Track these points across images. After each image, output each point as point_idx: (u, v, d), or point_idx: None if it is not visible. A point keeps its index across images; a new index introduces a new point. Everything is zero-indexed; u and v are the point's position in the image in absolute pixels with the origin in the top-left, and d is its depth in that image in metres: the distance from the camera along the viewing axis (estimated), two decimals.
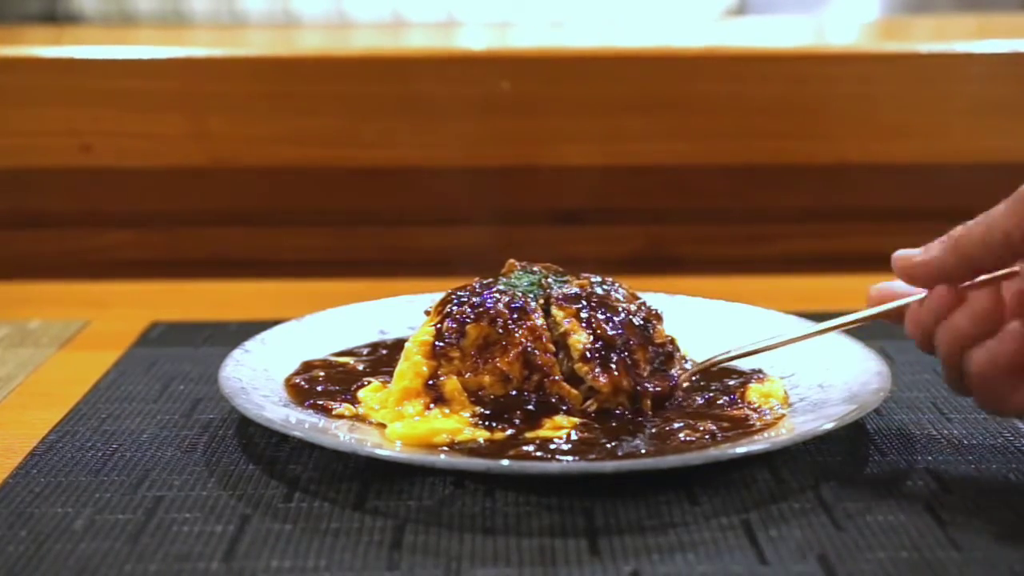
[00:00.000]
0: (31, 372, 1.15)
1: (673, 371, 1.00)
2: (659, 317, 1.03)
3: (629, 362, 0.96)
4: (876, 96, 1.57)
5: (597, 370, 0.95)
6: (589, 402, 0.95)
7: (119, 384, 1.10)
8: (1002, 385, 0.85)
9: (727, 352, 1.01)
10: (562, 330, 0.97)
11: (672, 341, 1.02)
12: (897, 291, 0.93)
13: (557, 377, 0.95)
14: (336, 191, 1.63)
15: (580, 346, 0.96)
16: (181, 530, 0.82)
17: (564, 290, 1.00)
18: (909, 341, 1.18)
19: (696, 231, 1.64)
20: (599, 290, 1.01)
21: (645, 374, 0.97)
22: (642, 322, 1.00)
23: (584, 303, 0.99)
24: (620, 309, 0.99)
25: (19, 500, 0.86)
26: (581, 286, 1.01)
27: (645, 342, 0.99)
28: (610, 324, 0.98)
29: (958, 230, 0.86)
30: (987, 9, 2.67)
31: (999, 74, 1.58)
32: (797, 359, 1.06)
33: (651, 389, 0.97)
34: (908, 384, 1.08)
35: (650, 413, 0.96)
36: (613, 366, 0.95)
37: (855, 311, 0.97)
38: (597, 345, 0.96)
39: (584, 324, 0.97)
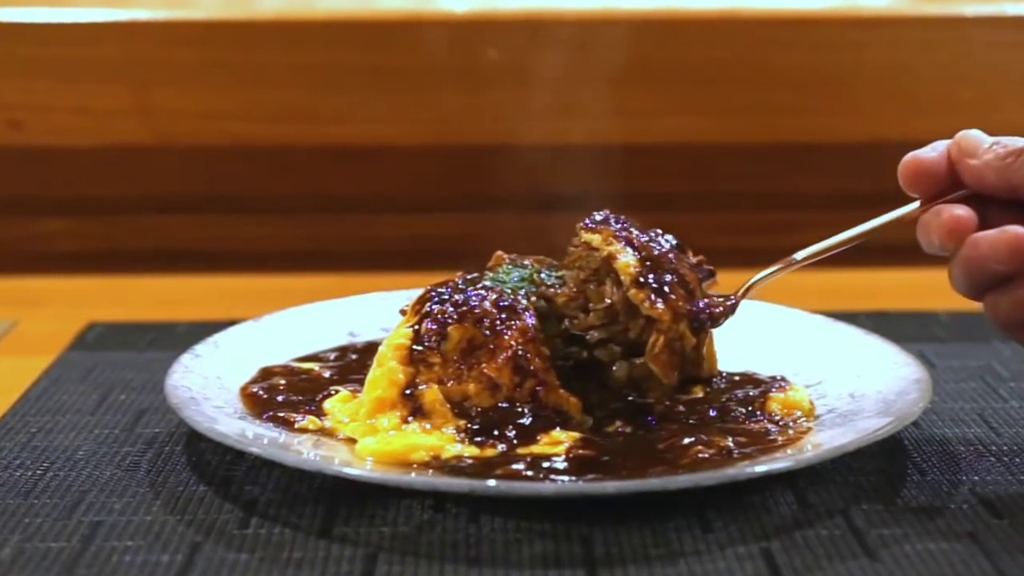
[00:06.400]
0: None
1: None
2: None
3: (680, 283, 0.96)
4: (916, 65, 1.57)
5: (653, 296, 0.94)
6: (618, 367, 0.95)
7: (51, 394, 1.10)
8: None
9: (787, 261, 1.00)
10: (604, 254, 0.96)
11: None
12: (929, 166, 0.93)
13: (556, 383, 0.95)
14: (298, 173, 1.62)
15: (631, 269, 0.94)
16: (122, 560, 0.81)
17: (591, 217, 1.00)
18: (951, 344, 1.19)
19: (709, 219, 1.64)
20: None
21: (697, 295, 0.97)
22: (673, 241, 0.99)
23: (615, 222, 0.98)
24: (648, 230, 0.99)
25: None
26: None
27: (685, 259, 0.99)
28: (652, 241, 0.97)
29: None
30: None
31: None
32: (825, 365, 1.06)
33: (709, 311, 0.96)
34: (951, 393, 1.08)
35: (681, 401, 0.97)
36: (668, 289, 0.94)
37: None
38: (648, 265, 0.95)
39: (625, 243, 0.96)
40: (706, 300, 0.97)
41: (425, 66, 1.57)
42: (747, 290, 1.00)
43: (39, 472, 0.94)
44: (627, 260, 0.95)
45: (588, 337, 0.96)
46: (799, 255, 0.99)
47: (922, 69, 1.57)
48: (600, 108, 1.58)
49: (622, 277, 0.94)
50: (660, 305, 0.93)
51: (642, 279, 0.94)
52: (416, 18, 1.60)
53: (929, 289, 1.30)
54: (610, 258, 0.95)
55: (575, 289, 0.97)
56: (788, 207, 1.63)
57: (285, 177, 1.62)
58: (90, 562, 0.81)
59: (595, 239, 0.97)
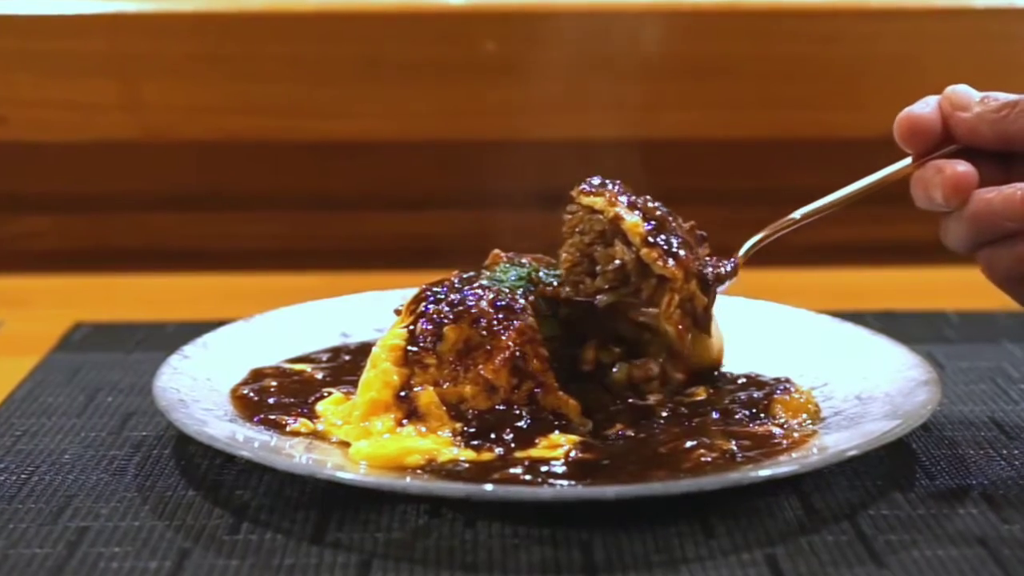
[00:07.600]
0: None
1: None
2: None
3: (684, 243, 0.96)
4: (925, 58, 1.57)
5: (665, 255, 0.95)
6: (617, 368, 0.96)
7: (37, 395, 1.10)
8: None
9: (787, 220, 1.01)
10: (611, 215, 0.96)
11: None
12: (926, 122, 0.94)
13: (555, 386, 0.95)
14: (290, 169, 1.62)
15: (641, 229, 0.95)
16: (109, 566, 0.81)
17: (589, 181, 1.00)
18: (960, 345, 1.19)
19: (711, 215, 1.62)
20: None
21: (700, 255, 0.98)
22: (664, 207, 1.00)
23: (611, 185, 0.99)
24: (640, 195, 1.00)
25: None
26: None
27: (679, 223, 0.99)
28: (649, 204, 0.98)
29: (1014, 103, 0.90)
30: None
31: None
32: (831, 366, 1.06)
33: (715, 271, 0.97)
34: (960, 395, 1.08)
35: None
36: (676, 248, 0.95)
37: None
38: (654, 225, 0.96)
39: (628, 206, 0.97)
40: (711, 260, 0.98)
41: (420, 60, 1.57)
42: (748, 251, 1.01)
43: (24, 476, 0.94)
44: (635, 220, 0.95)
45: (596, 301, 0.96)
46: (798, 213, 1.01)
47: (932, 62, 1.57)
48: (601, 102, 1.58)
49: (631, 237, 0.95)
50: (672, 263, 0.94)
51: (651, 239, 0.95)
52: (410, 10, 1.60)
53: (937, 289, 1.30)
54: (617, 219, 0.96)
55: (578, 254, 0.97)
56: (791, 204, 1.62)
57: (276, 173, 1.62)
58: (76, 568, 0.81)
59: (598, 202, 0.97)
